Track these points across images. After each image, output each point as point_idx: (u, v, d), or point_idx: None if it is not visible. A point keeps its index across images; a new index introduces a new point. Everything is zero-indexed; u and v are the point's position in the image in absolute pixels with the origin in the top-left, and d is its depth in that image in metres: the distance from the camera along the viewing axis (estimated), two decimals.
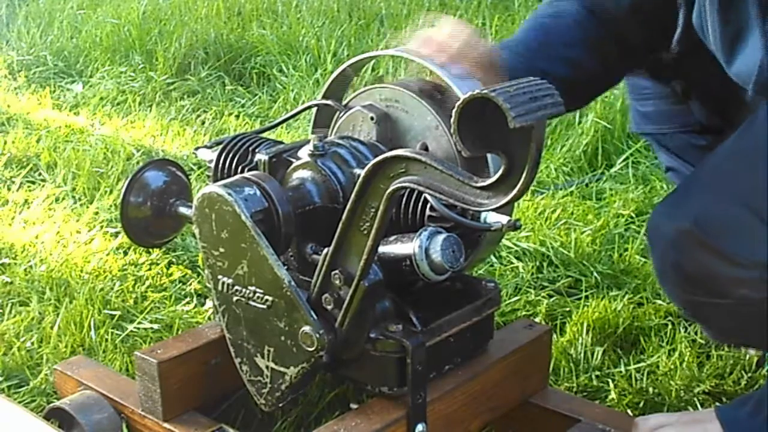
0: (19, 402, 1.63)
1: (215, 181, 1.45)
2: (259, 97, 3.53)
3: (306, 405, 1.61)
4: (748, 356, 1.75)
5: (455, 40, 1.35)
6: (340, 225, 1.21)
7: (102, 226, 2.34)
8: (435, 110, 1.36)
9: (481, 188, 1.04)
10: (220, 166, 1.50)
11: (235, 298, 1.32)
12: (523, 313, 1.93)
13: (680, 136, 1.74)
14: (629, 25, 1.49)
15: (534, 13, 1.59)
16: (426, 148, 1.37)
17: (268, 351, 1.31)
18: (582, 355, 1.76)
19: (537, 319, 1.88)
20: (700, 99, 1.64)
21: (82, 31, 4.30)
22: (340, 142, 1.40)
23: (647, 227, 1.37)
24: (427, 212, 1.31)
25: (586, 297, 1.96)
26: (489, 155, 1.31)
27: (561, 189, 2.55)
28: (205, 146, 1.57)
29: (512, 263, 2.12)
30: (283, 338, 1.29)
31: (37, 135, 3.06)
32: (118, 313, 1.91)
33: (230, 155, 1.50)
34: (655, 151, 1.88)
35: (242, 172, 1.44)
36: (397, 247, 1.26)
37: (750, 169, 1.24)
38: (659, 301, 1.94)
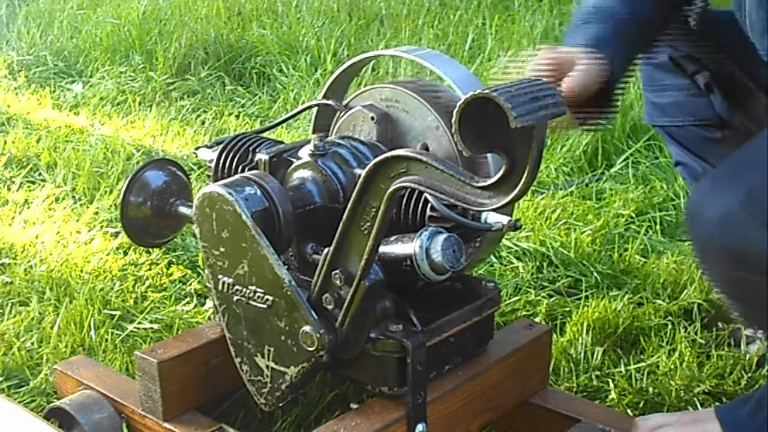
0: (19, 402, 1.63)
1: (215, 180, 1.45)
2: (259, 97, 3.53)
3: (306, 405, 1.61)
4: (748, 356, 1.75)
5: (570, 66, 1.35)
6: (341, 225, 1.21)
7: (102, 226, 2.34)
8: (435, 110, 1.36)
9: (482, 188, 1.04)
10: (220, 165, 1.50)
11: (235, 298, 1.32)
12: (523, 313, 1.93)
13: (694, 130, 1.73)
14: None
15: None
16: (426, 148, 1.37)
17: (269, 351, 1.31)
18: (582, 355, 1.76)
19: (537, 319, 1.88)
20: (724, 92, 1.63)
21: (82, 31, 4.30)
22: (341, 142, 1.40)
23: (687, 207, 1.35)
24: (428, 212, 1.31)
25: (586, 297, 1.96)
26: (490, 155, 1.31)
27: (561, 189, 2.55)
28: (206, 146, 1.57)
29: (512, 263, 2.12)
30: (283, 338, 1.29)
31: (37, 135, 3.06)
32: (118, 313, 1.91)
33: (230, 155, 1.50)
34: (666, 144, 1.88)
35: (242, 171, 1.44)
36: (397, 247, 1.26)
37: None
38: (659, 301, 1.94)
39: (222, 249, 1.31)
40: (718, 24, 1.36)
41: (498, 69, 1.36)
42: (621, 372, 1.72)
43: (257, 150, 1.46)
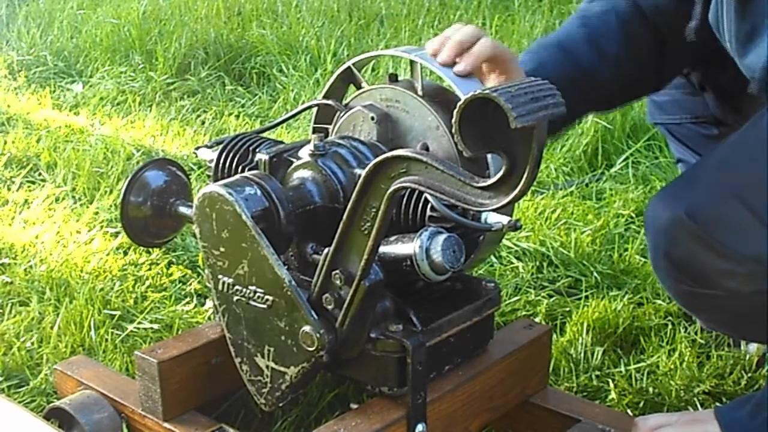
0: (19, 402, 1.63)
1: (215, 180, 1.45)
2: (259, 97, 3.53)
3: (306, 405, 1.61)
4: (748, 356, 1.75)
5: (471, 40, 1.35)
6: (341, 225, 1.21)
7: (102, 226, 2.34)
8: (435, 110, 1.36)
9: (482, 188, 1.04)
10: (220, 165, 1.50)
11: (235, 298, 1.32)
12: (523, 313, 1.93)
13: (692, 127, 1.74)
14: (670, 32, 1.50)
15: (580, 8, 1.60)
16: (427, 148, 1.37)
17: (269, 351, 1.31)
18: (582, 355, 1.76)
19: (537, 319, 1.88)
20: (716, 92, 1.64)
21: (82, 31, 4.30)
22: (341, 142, 1.40)
23: (644, 215, 1.38)
24: (428, 212, 1.31)
25: (586, 297, 1.96)
26: (490, 155, 1.31)
27: (561, 189, 2.55)
28: (206, 146, 1.56)
29: (512, 263, 2.12)
30: (283, 338, 1.29)
31: (37, 135, 3.06)
32: (118, 313, 1.91)
33: (231, 155, 1.50)
34: (668, 142, 1.89)
35: (243, 171, 1.44)
36: (397, 247, 1.26)
37: (750, 165, 1.24)
38: (659, 301, 1.94)
39: (222, 249, 1.31)
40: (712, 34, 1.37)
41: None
42: (621, 372, 1.72)
43: (257, 150, 1.46)
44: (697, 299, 1.34)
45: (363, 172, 1.16)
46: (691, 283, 1.31)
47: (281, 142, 1.51)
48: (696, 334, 1.83)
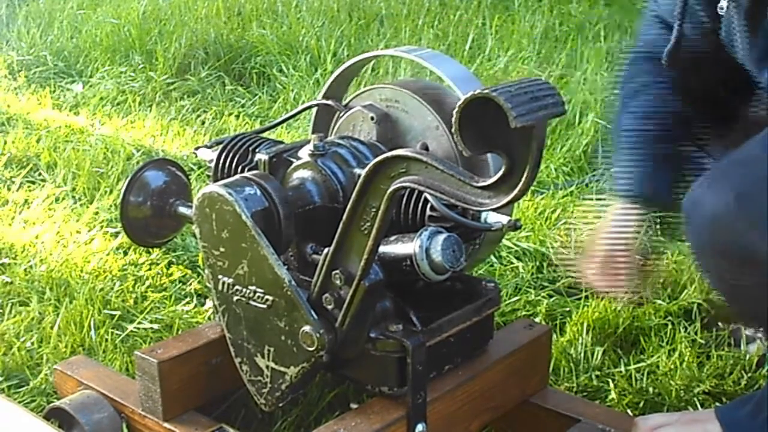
0: (19, 402, 1.63)
1: (215, 180, 1.45)
2: (259, 97, 3.53)
3: (306, 405, 1.61)
4: (748, 356, 1.75)
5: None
6: (341, 225, 1.21)
7: (102, 226, 2.34)
8: (435, 110, 1.36)
9: (482, 188, 1.04)
10: (220, 165, 1.50)
11: (235, 298, 1.32)
12: (523, 313, 1.93)
13: None
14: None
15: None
16: (426, 148, 1.37)
17: (269, 351, 1.31)
18: (582, 355, 1.76)
19: (537, 319, 1.88)
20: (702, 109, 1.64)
21: (82, 31, 4.30)
22: (341, 142, 1.40)
23: (684, 202, 1.34)
24: (428, 212, 1.31)
25: (586, 297, 1.96)
26: (490, 155, 1.31)
27: (561, 189, 2.55)
28: (205, 146, 1.57)
29: (512, 263, 2.12)
30: (283, 338, 1.29)
31: (37, 135, 3.06)
32: (118, 313, 1.91)
33: (230, 155, 1.50)
34: None
35: (242, 171, 1.44)
36: (397, 247, 1.26)
37: None
38: (659, 301, 1.94)
39: (222, 249, 1.31)
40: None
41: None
42: (621, 372, 1.72)
43: (257, 150, 1.46)
44: (741, 288, 1.32)
45: (363, 172, 1.16)
46: (738, 270, 1.28)
47: (281, 142, 1.51)
48: (696, 334, 1.83)
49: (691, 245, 1.36)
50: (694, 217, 1.31)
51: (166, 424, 1.43)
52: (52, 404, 1.53)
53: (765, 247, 1.22)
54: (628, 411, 1.61)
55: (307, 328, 1.25)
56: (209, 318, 1.88)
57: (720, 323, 1.85)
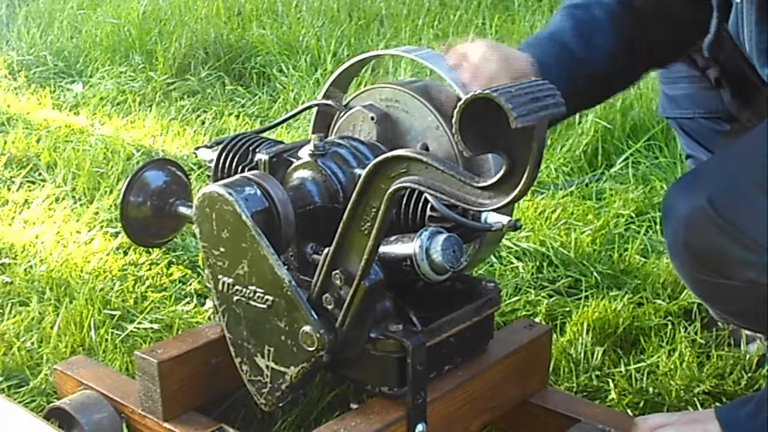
0: (19, 402, 1.63)
1: (215, 180, 1.45)
2: (259, 97, 3.53)
3: (306, 405, 1.61)
4: (748, 356, 1.75)
5: (489, 62, 1.34)
6: (341, 225, 1.21)
7: (102, 226, 2.34)
8: (435, 110, 1.36)
9: (483, 188, 1.04)
10: (220, 165, 1.50)
11: (235, 298, 1.32)
12: (523, 313, 1.93)
13: (703, 122, 1.74)
14: (659, 23, 1.49)
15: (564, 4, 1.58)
16: (426, 148, 1.37)
17: (269, 351, 1.31)
18: (582, 355, 1.76)
19: (537, 319, 1.88)
20: (732, 89, 1.64)
21: (82, 31, 4.30)
22: (341, 142, 1.40)
23: (663, 202, 1.36)
24: (428, 212, 1.31)
25: (586, 297, 1.96)
26: (490, 155, 1.31)
27: (561, 189, 2.55)
28: (206, 146, 1.56)
29: (512, 263, 2.12)
30: (283, 338, 1.29)
31: (37, 135, 3.06)
32: (118, 313, 1.91)
33: (230, 155, 1.50)
34: (678, 137, 1.89)
35: (242, 171, 1.44)
36: (397, 247, 1.26)
37: None
38: (659, 301, 1.94)
39: (222, 249, 1.31)
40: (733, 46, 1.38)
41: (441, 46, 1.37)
42: (621, 372, 1.72)
43: (257, 150, 1.46)
44: (714, 289, 1.33)
45: (363, 172, 1.16)
46: (709, 272, 1.30)
47: (281, 142, 1.51)
48: (696, 334, 1.83)
49: (667, 246, 1.38)
50: (670, 218, 1.33)
51: (166, 424, 1.43)
52: (52, 404, 1.53)
53: (736, 251, 1.23)
54: (628, 411, 1.61)
55: (307, 328, 1.25)
56: (209, 318, 1.88)
57: (720, 323, 1.85)
